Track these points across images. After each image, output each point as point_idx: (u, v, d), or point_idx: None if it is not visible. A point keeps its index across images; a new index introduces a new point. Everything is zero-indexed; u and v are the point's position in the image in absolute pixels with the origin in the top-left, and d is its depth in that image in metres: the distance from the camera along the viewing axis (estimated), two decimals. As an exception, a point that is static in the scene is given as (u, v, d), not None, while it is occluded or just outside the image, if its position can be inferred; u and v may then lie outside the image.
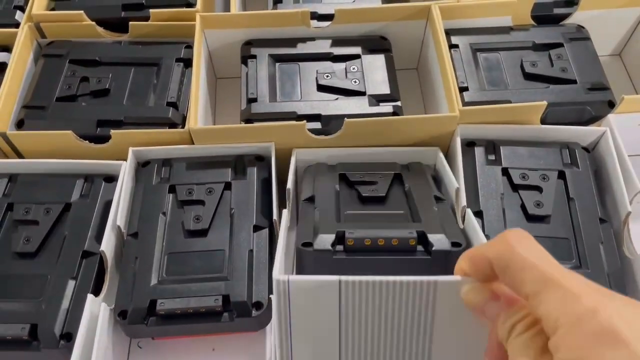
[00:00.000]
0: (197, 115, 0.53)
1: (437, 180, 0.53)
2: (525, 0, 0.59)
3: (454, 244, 0.42)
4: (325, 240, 0.42)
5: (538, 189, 0.50)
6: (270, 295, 0.44)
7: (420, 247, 0.42)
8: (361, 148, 0.53)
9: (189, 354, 0.49)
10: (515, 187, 0.50)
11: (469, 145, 0.53)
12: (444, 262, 0.41)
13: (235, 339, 0.49)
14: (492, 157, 0.52)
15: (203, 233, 0.48)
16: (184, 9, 0.60)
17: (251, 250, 0.47)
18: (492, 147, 0.53)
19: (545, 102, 0.52)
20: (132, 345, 0.49)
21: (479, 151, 0.52)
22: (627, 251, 0.48)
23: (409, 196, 0.48)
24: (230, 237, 0.48)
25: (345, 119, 0.51)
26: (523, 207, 0.49)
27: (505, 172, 0.51)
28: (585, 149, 0.53)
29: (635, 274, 0.46)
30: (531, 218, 0.48)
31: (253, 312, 0.44)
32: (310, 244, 0.42)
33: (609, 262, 0.46)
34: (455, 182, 0.50)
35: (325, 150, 0.53)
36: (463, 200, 0.49)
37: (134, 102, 0.56)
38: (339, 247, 0.42)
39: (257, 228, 0.48)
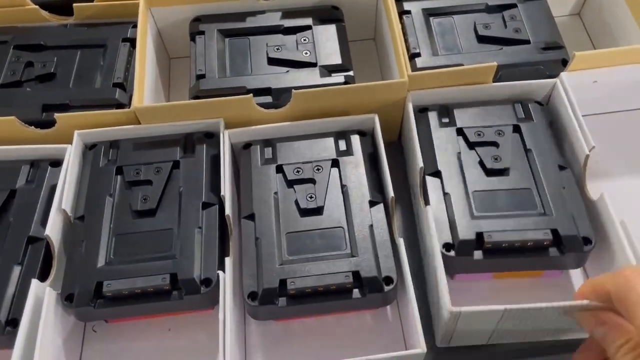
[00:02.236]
0: (143, 94, 0.52)
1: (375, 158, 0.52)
2: (476, -38, 0.58)
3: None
4: (269, 293, 0.43)
5: (495, 144, 0.49)
6: (219, 272, 0.44)
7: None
8: (296, 122, 0.52)
9: (145, 336, 0.48)
10: (471, 145, 0.49)
11: (421, 111, 0.52)
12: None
13: (191, 319, 0.48)
14: (445, 119, 0.51)
15: (151, 213, 0.47)
16: (128, -12, 0.59)
17: (200, 227, 0.46)
18: (446, 110, 0.52)
19: (495, 63, 0.51)
20: (87, 329, 0.49)
21: (432, 115, 0.51)
22: (590, 193, 0.47)
23: (345, 196, 0.48)
24: (179, 215, 0.47)
25: (293, 90, 0.50)
26: (481, 163, 0.48)
27: (460, 132, 0.50)
28: (539, 102, 0.52)
29: (600, 214, 0.46)
30: (490, 172, 0.48)
31: (202, 289, 0.44)
32: (255, 295, 0.43)
33: (573, 205, 0.45)
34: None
35: (261, 129, 0.52)
36: (419, 162, 0.48)
37: (80, 85, 0.55)
38: (282, 299, 0.43)
39: (206, 205, 0.48)
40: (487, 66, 0.51)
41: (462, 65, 0.54)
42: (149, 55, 0.57)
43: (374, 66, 0.65)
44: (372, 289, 0.43)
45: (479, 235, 0.44)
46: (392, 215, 0.47)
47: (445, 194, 0.46)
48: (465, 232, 0.44)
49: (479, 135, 0.49)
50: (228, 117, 0.52)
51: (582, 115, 0.50)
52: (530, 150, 0.48)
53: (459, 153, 0.49)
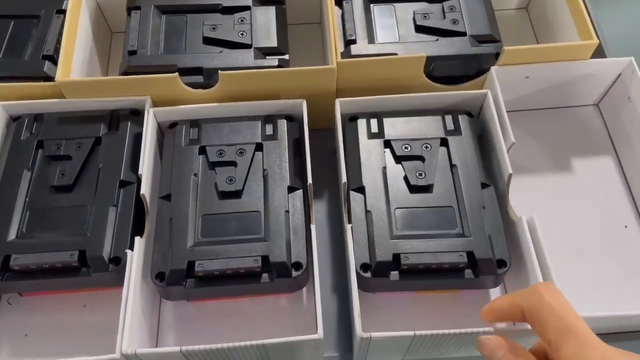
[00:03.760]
0: (70, 68, 0.52)
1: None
2: (418, -50, 0.58)
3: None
4: (177, 274, 0.43)
5: (421, 158, 0.49)
6: (128, 250, 0.44)
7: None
8: (224, 104, 0.52)
9: (59, 310, 0.48)
10: (398, 159, 0.49)
11: (351, 119, 0.52)
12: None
13: (106, 294, 0.48)
14: (375, 129, 0.51)
15: (68, 189, 0.47)
16: (64, -43, 0.57)
17: (115, 206, 0.46)
18: (376, 119, 0.51)
19: (424, 55, 0.51)
20: (1, 302, 0.49)
21: (361, 124, 0.51)
22: (512, 213, 0.47)
23: (265, 181, 0.48)
24: (95, 192, 0.47)
25: (220, 71, 0.50)
26: (406, 178, 0.48)
27: (387, 144, 0.50)
28: (469, 113, 0.52)
29: (519, 235, 0.46)
30: (414, 189, 0.47)
31: (110, 267, 0.44)
32: (162, 276, 0.43)
33: (491, 226, 0.45)
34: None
35: (188, 109, 0.51)
36: (343, 177, 0.48)
37: (10, 56, 0.54)
38: (190, 281, 0.43)
39: (124, 183, 0.47)
40: (417, 57, 0.51)
41: (395, 54, 0.54)
42: (82, 28, 0.56)
43: (318, 51, 0.65)
44: (280, 274, 0.44)
45: (396, 256, 0.44)
46: (310, 201, 0.47)
47: (367, 212, 0.46)
48: (383, 253, 0.44)
49: (406, 148, 0.49)
50: (156, 96, 0.52)
51: (514, 111, 0.50)
52: (455, 166, 0.48)
53: (385, 168, 0.48)
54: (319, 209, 0.55)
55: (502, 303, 0.37)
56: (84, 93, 0.51)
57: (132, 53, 0.54)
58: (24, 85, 0.51)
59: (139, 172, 0.47)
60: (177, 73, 0.50)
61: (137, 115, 0.52)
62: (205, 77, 0.53)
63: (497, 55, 0.54)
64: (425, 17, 0.57)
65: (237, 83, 0.51)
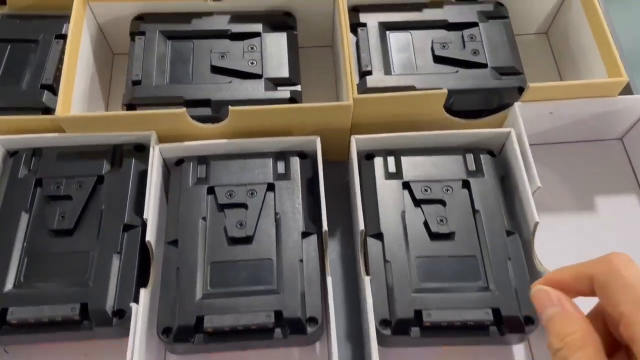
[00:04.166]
0: (70, 101, 0.49)
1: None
2: (438, -25, 0.55)
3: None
4: (184, 330, 0.41)
5: (442, 202, 0.46)
6: (133, 304, 0.41)
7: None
8: (233, 140, 0.49)
9: (59, 359, 0.46)
10: (417, 202, 0.47)
11: (367, 157, 0.49)
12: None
13: (109, 344, 0.45)
14: (392, 169, 0.48)
15: (68, 233, 0.45)
16: (65, -21, 0.54)
17: (119, 252, 0.44)
18: (393, 158, 0.49)
19: (445, 91, 0.49)
20: (-2, 350, 0.46)
21: (378, 163, 0.48)
22: (538, 263, 0.45)
23: (278, 225, 0.45)
24: (98, 237, 0.44)
25: (230, 107, 0.47)
26: (426, 224, 0.45)
27: (406, 185, 0.47)
28: (491, 152, 0.49)
29: None
30: (435, 236, 0.45)
31: (114, 320, 0.41)
32: (169, 332, 0.41)
33: (517, 279, 0.43)
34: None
35: (196, 145, 0.49)
36: (360, 224, 0.45)
37: (6, 84, 0.51)
38: (198, 336, 0.41)
39: (128, 227, 0.45)
40: (437, 93, 0.49)
41: (413, 87, 0.51)
42: (83, 54, 0.53)
43: (329, 75, 0.62)
44: (294, 330, 0.41)
45: (418, 312, 0.41)
46: (325, 249, 0.45)
47: (387, 262, 0.44)
48: (404, 309, 0.41)
49: (426, 191, 0.47)
50: (161, 130, 0.49)
51: (535, 144, 0.47)
52: (478, 212, 0.46)
53: (404, 212, 0.46)
54: (330, 249, 0.52)
55: (565, 274, 0.32)
56: (85, 128, 0.48)
57: (136, 83, 0.51)
58: (22, 118, 0.48)
59: (144, 216, 0.44)
60: (184, 108, 0.47)
61: (141, 151, 0.49)
62: (213, 109, 0.51)
63: (520, 89, 0.52)
64: (444, 46, 0.54)
65: (248, 119, 0.48)
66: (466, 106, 0.52)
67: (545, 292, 0.31)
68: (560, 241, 0.51)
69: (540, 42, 0.64)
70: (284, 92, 0.51)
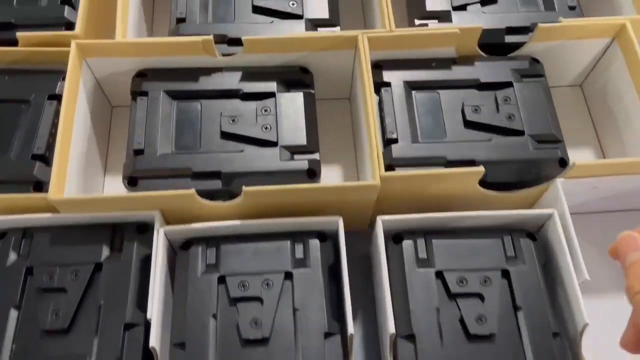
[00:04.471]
0: (65, 176, 0.44)
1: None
2: (470, 31, 0.50)
3: None
4: None
5: (479, 296, 0.42)
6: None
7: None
8: (246, 221, 0.44)
9: None
10: (452, 296, 0.42)
11: (395, 239, 0.44)
12: None
13: None
14: (423, 255, 0.43)
15: (63, 332, 0.40)
16: (60, 32, 0.49)
17: (120, 358, 0.39)
18: (423, 240, 0.44)
19: (481, 169, 0.44)
20: None
21: (407, 249, 0.44)
22: None
23: (297, 323, 0.40)
24: (96, 338, 0.40)
25: (244, 187, 0.42)
26: (462, 322, 0.41)
27: (439, 274, 0.43)
28: (531, 235, 0.45)
29: None
30: (473, 337, 0.40)
31: None
32: None
33: None
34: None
35: (205, 228, 0.44)
36: (390, 326, 0.40)
37: (-6, 153, 0.46)
38: None
39: (130, 326, 0.40)
40: (472, 172, 0.44)
41: (444, 158, 0.46)
42: (79, 118, 0.48)
43: (347, 130, 0.57)
44: None
45: None
46: (350, 355, 0.40)
47: None
48: None
49: (462, 282, 0.42)
50: (167, 210, 0.44)
51: (573, 214, 0.43)
52: (520, 309, 0.41)
53: (438, 308, 0.41)
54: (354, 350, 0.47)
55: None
56: (81, 209, 0.43)
57: (139, 153, 0.46)
58: (10, 197, 0.43)
59: (148, 316, 0.39)
60: (193, 190, 0.42)
61: (144, 232, 0.44)
62: (224, 182, 0.46)
63: (561, 160, 0.47)
64: (476, 110, 0.49)
65: (263, 199, 0.43)
66: (501, 178, 0.48)
67: (632, 237, 0.32)
68: (608, 335, 0.46)
69: (574, 94, 0.60)
70: (302, 163, 0.47)
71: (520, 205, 0.51)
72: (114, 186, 0.53)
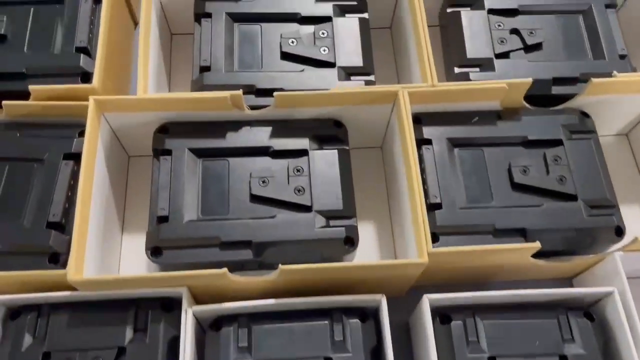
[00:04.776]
0: (84, 254, 0.40)
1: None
2: (519, 85, 0.46)
3: None
4: None
5: None
6: None
7: None
8: (281, 301, 0.40)
9: None
10: None
11: (443, 319, 0.41)
12: None
13: None
14: (473, 337, 0.40)
15: None
16: (77, 86, 0.45)
17: None
18: (473, 320, 0.41)
19: (537, 245, 0.41)
20: None
21: (456, 330, 0.40)
22: None
23: None
24: None
25: (281, 266, 0.39)
26: None
27: None
28: (589, 314, 0.41)
29: None
30: None
31: None
32: None
33: None
34: None
35: (236, 307, 0.40)
36: None
37: (6, 221, 0.42)
38: None
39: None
40: (527, 247, 0.41)
41: (492, 226, 0.43)
42: (97, 180, 0.44)
43: (379, 177, 0.54)
44: None
45: None
46: None
47: None
48: None
49: None
50: (195, 287, 0.41)
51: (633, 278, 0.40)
52: None
53: None
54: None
55: None
56: (103, 288, 0.39)
57: (163, 220, 0.43)
58: (25, 274, 0.39)
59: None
60: (225, 269, 0.39)
61: (170, 310, 0.41)
62: (255, 252, 0.42)
63: (617, 229, 0.44)
64: (524, 171, 0.46)
65: (299, 276, 0.40)
66: (552, 247, 0.45)
67: None
68: None
69: (620, 143, 0.56)
70: (339, 230, 0.43)
71: (568, 273, 0.48)
72: (134, 247, 0.49)
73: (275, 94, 0.45)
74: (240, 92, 0.45)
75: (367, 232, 0.51)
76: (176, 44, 0.59)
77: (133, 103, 0.44)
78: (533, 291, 0.41)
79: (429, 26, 0.49)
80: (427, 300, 0.41)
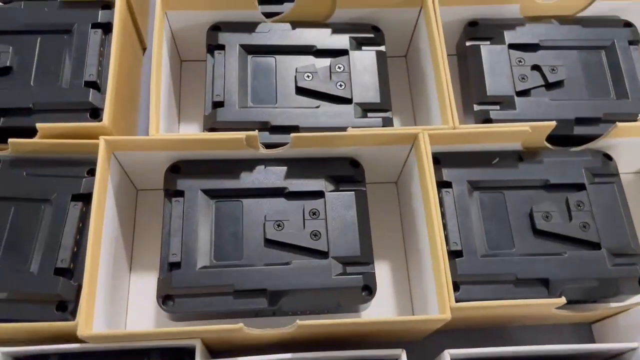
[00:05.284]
0: (94, 306, 0.39)
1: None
2: (542, 127, 0.45)
3: None
4: None
5: None
6: None
7: None
8: (297, 355, 0.39)
9: None
10: None
11: None
12: None
13: None
14: None
15: None
16: (86, 124, 0.44)
17: None
18: None
19: (563, 300, 0.39)
20: None
21: None
22: None
23: None
24: None
25: (298, 321, 0.38)
26: None
27: None
28: None
29: None
30: None
31: None
32: None
33: None
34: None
35: None
36: None
37: (11, 267, 0.40)
38: None
39: None
40: (550, 303, 0.39)
41: (514, 275, 0.42)
42: (107, 225, 0.43)
43: (393, 211, 0.52)
44: None
45: None
46: None
47: None
48: None
49: None
50: (209, 339, 0.39)
51: None
52: None
53: None
54: None
55: None
56: (114, 342, 0.38)
57: (175, 266, 0.41)
58: (33, 326, 0.38)
59: None
60: (241, 324, 0.37)
61: (182, 362, 0.39)
62: (269, 301, 0.41)
63: (641, 280, 0.43)
64: (546, 217, 0.45)
65: (316, 330, 0.39)
66: (574, 297, 0.43)
67: None
68: None
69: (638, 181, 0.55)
70: (356, 278, 0.42)
71: (588, 319, 0.47)
72: (142, 287, 0.48)
73: (292, 135, 0.43)
74: (256, 132, 0.43)
75: (381, 270, 0.50)
76: (186, 69, 0.57)
77: (145, 143, 0.43)
78: (556, 347, 0.40)
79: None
80: (448, 357, 0.39)
